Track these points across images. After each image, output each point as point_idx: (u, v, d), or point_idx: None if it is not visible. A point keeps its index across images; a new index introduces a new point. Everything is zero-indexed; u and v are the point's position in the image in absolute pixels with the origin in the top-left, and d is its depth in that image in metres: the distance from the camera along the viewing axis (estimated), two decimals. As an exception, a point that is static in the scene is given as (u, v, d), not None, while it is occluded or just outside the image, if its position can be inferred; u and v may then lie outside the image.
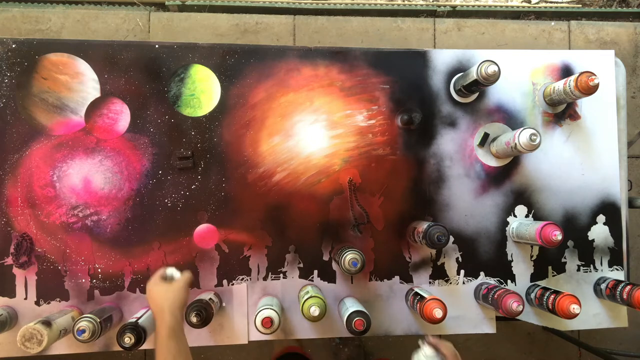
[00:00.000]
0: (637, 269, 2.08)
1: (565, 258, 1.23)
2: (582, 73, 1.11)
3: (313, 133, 1.20)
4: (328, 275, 1.19)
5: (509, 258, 1.22)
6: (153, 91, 1.17)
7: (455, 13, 2.20)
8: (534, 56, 1.26)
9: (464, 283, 1.21)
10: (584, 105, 1.25)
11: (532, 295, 1.18)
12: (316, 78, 1.21)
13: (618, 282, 1.17)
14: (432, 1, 2.22)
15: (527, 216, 1.23)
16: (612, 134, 1.25)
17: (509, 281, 1.22)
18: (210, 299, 1.08)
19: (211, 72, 1.19)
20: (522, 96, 1.24)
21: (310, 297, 1.05)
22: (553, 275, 1.23)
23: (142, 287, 1.14)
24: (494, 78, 1.09)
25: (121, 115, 1.17)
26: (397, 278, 1.20)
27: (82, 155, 1.15)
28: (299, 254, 1.18)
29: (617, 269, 1.24)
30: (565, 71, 1.26)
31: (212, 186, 1.17)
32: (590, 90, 1.11)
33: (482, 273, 1.21)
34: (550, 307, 1.09)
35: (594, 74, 1.10)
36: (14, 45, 1.15)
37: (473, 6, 2.22)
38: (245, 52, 1.19)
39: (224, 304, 1.16)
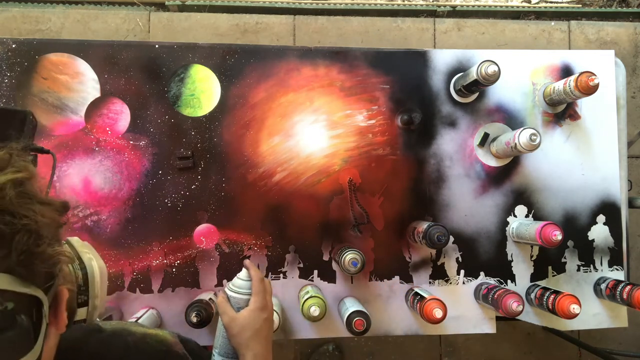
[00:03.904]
0: (637, 269, 2.08)
1: (565, 258, 1.23)
2: (582, 73, 1.11)
3: (313, 133, 1.20)
4: (328, 275, 1.19)
5: (509, 258, 1.22)
6: (153, 91, 1.17)
7: (455, 13, 2.20)
8: (534, 56, 1.26)
9: (464, 283, 1.21)
10: (584, 105, 1.25)
11: (532, 295, 1.18)
12: (316, 78, 1.21)
13: (618, 282, 1.16)
14: (432, 1, 2.22)
15: (527, 216, 1.23)
16: (612, 134, 1.25)
17: (509, 281, 1.22)
18: (210, 299, 1.08)
19: (211, 72, 1.19)
20: (522, 96, 1.24)
21: (310, 297, 1.05)
22: (553, 275, 1.23)
23: (142, 287, 1.14)
24: (494, 78, 1.09)
25: (121, 115, 1.17)
26: (397, 278, 1.20)
27: (82, 155, 1.15)
28: (299, 254, 1.18)
29: (617, 269, 1.24)
30: (565, 71, 1.26)
31: (212, 186, 1.17)
32: (590, 90, 1.11)
33: (482, 273, 1.21)
34: (550, 307, 1.09)
35: (594, 74, 1.10)
36: (14, 45, 1.15)
37: (473, 6, 2.22)
38: (245, 52, 1.19)
39: (224, 304, 1.15)
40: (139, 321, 1.02)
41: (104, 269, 0.57)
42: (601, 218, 1.24)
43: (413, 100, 1.22)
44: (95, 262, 0.55)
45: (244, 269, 0.81)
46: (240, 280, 0.80)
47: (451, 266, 1.21)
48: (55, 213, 0.44)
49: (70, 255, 0.52)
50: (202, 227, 1.16)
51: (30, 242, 0.39)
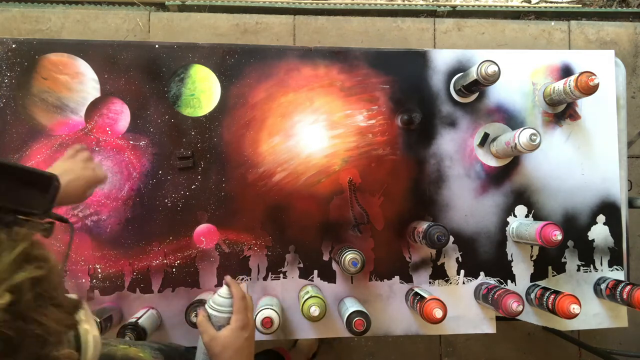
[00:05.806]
0: (637, 269, 2.08)
1: (565, 258, 1.23)
2: (582, 73, 1.11)
3: (313, 133, 1.20)
4: (328, 275, 1.19)
5: (509, 258, 1.22)
6: (153, 91, 1.17)
7: (455, 13, 2.20)
8: (534, 56, 1.26)
9: (464, 283, 1.21)
10: (584, 105, 1.25)
11: (532, 295, 1.18)
12: (316, 78, 1.21)
13: (618, 282, 1.17)
14: (432, 1, 2.22)
15: (527, 216, 1.23)
16: (612, 134, 1.25)
17: (509, 281, 1.22)
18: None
19: (211, 72, 1.19)
20: (522, 96, 1.24)
21: (310, 297, 1.05)
22: (553, 275, 1.23)
23: (142, 287, 1.14)
24: (494, 78, 1.09)
25: (121, 115, 1.17)
26: (397, 278, 1.20)
27: (82, 155, 1.15)
28: (299, 254, 1.18)
29: (617, 269, 1.24)
30: (565, 71, 1.26)
31: (212, 186, 1.17)
32: (590, 90, 1.11)
33: (482, 273, 1.21)
34: (550, 307, 1.09)
35: (594, 74, 1.10)
36: (14, 45, 1.15)
37: (473, 6, 2.22)
38: (245, 52, 1.19)
39: (224, 304, 1.15)
40: (139, 321, 1.02)
41: (98, 342, 0.54)
42: (601, 218, 1.24)
43: (413, 100, 1.22)
44: (90, 336, 0.52)
45: (224, 286, 0.78)
46: (221, 297, 0.77)
47: (451, 266, 1.21)
48: (66, 315, 0.42)
49: (74, 357, 0.49)
50: (202, 227, 1.16)
51: (37, 348, 0.38)
